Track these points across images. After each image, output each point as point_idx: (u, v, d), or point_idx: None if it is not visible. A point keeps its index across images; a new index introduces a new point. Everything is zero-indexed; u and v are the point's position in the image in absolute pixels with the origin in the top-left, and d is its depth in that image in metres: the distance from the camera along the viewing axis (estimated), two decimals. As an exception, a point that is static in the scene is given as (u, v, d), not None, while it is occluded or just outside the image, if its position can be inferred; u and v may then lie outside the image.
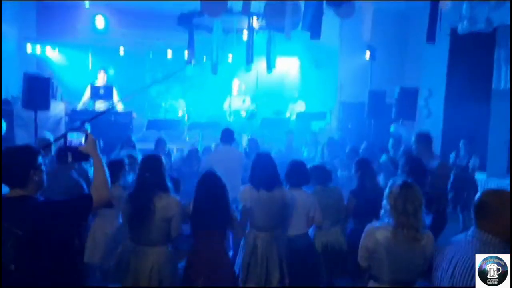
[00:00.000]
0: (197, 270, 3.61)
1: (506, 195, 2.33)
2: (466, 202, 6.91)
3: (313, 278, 4.15)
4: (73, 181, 4.19)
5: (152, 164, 3.58)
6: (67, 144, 2.55)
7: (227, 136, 6.05)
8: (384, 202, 3.02)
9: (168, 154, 6.81)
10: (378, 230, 2.97)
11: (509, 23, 7.01)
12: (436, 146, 9.26)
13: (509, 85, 8.29)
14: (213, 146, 7.64)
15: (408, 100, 8.52)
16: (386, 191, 3.03)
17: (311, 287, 4.14)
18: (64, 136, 2.55)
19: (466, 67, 8.85)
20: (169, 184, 3.61)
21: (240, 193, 4.01)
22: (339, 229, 4.46)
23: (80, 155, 2.54)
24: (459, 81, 9.13)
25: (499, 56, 8.37)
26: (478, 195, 2.40)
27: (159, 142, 6.88)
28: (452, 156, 7.32)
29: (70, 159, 2.58)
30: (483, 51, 8.44)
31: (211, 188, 3.66)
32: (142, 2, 9.34)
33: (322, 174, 4.48)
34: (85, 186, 4.14)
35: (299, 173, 4.23)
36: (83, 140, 2.52)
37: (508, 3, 6.18)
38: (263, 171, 3.96)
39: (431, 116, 10.03)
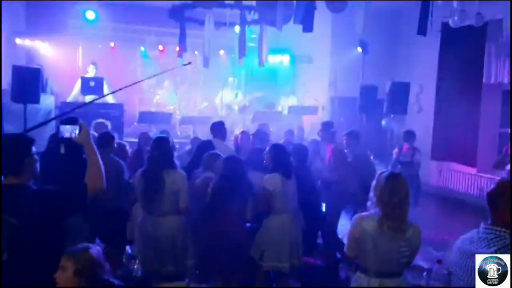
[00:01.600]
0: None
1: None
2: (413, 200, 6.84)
3: None
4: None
5: (160, 144, 4.06)
6: (61, 135, 2.52)
7: (219, 130, 5.94)
8: (371, 193, 3.02)
9: None
10: (365, 220, 2.97)
11: (499, 17, 7.07)
12: (427, 141, 9.37)
13: (499, 80, 8.37)
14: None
15: (400, 95, 8.57)
16: (373, 182, 3.04)
17: None
18: (43, 122, 2.53)
19: (457, 61, 8.90)
20: (176, 161, 4.07)
21: (268, 179, 4.26)
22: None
23: (73, 146, 2.52)
24: (450, 76, 9.18)
25: (489, 50, 8.43)
26: (493, 187, 2.32)
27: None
28: (395, 153, 7.26)
29: (63, 150, 2.55)
30: (474, 46, 8.49)
31: (235, 168, 4.13)
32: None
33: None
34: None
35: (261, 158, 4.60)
36: (77, 131, 2.50)
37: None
38: (286, 160, 4.39)
39: (422, 111, 10.10)
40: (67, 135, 2.51)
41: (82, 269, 2.39)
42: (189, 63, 5.15)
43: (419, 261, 5.60)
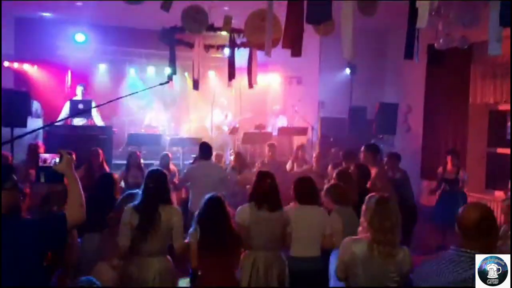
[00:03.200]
0: None
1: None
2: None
3: None
4: None
5: (156, 177, 3.75)
6: (41, 163, 2.48)
7: (206, 150, 6.05)
8: (362, 218, 3.02)
9: (140, 168, 6.71)
10: (355, 243, 2.96)
11: (484, 39, 7.18)
12: (417, 161, 9.40)
13: (485, 100, 8.46)
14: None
15: (388, 116, 8.66)
16: (363, 207, 3.03)
17: None
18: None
19: (444, 82, 9.03)
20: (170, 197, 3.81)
21: (238, 211, 3.93)
22: None
23: (54, 175, 2.47)
24: (437, 96, 9.30)
25: (475, 71, 8.56)
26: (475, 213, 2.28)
27: (132, 156, 6.81)
28: (439, 172, 7.21)
29: (43, 179, 2.50)
30: (460, 67, 8.62)
31: (215, 215, 3.65)
32: (123, 19, 9.31)
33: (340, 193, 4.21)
34: None
35: (310, 189, 4.09)
36: (57, 159, 2.45)
37: (483, 22, 6.33)
38: (266, 190, 3.88)
39: (411, 131, 10.18)
40: (47, 163, 2.47)
41: None
42: (167, 81, 5.03)
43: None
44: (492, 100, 8.37)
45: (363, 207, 3.03)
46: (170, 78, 7.43)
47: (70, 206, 2.43)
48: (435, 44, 6.94)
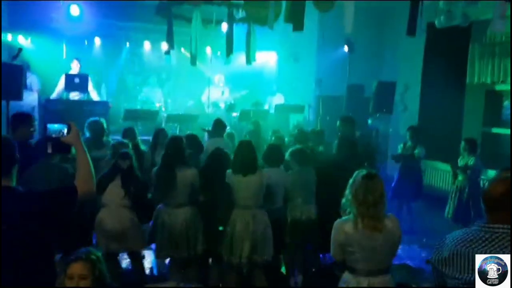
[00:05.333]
0: None
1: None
2: (411, 192, 7.12)
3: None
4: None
5: (174, 143, 4.51)
6: (48, 134, 2.46)
7: (219, 128, 6.05)
8: (347, 191, 3.09)
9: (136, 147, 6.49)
10: (346, 223, 3.04)
11: (483, 18, 7.16)
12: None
13: (482, 80, 8.49)
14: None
15: (386, 94, 8.64)
16: (350, 181, 3.10)
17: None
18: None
19: (441, 61, 9.01)
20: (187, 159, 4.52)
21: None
22: (312, 207, 4.90)
23: (61, 146, 2.46)
24: (434, 75, 9.29)
25: (473, 50, 8.55)
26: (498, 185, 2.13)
27: (128, 132, 6.61)
28: (400, 146, 7.41)
29: (49, 150, 2.49)
30: (458, 46, 8.60)
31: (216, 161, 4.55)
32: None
33: (301, 157, 4.96)
34: None
35: (275, 155, 4.86)
36: (65, 131, 2.44)
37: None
38: (243, 158, 4.49)
39: (407, 110, 10.20)
40: (55, 134, 2.46)
41: (99, 272, 2.30)
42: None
43: (406, 260, 5.70)
44: (489, 80, 8.40)
45: (350, 181, 3.11)
46: (168, 52, 7.32)
47: (80, 178, 2.41)
48: (436, 22, 6.90)
